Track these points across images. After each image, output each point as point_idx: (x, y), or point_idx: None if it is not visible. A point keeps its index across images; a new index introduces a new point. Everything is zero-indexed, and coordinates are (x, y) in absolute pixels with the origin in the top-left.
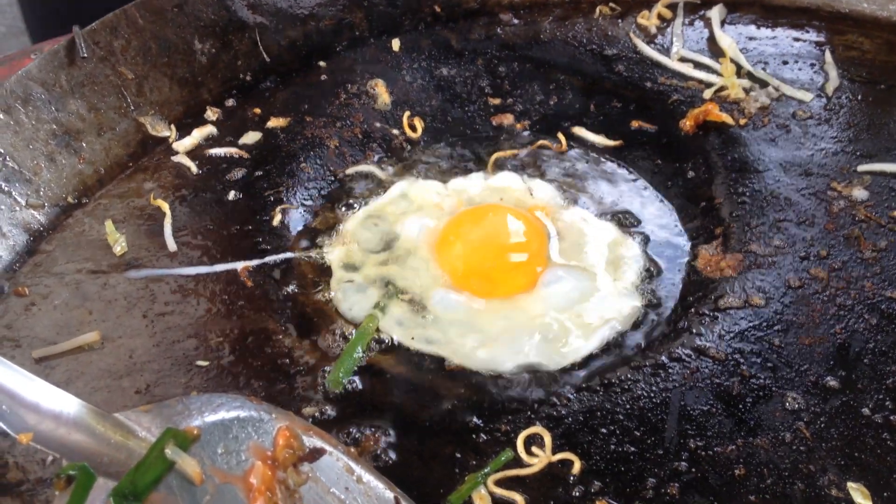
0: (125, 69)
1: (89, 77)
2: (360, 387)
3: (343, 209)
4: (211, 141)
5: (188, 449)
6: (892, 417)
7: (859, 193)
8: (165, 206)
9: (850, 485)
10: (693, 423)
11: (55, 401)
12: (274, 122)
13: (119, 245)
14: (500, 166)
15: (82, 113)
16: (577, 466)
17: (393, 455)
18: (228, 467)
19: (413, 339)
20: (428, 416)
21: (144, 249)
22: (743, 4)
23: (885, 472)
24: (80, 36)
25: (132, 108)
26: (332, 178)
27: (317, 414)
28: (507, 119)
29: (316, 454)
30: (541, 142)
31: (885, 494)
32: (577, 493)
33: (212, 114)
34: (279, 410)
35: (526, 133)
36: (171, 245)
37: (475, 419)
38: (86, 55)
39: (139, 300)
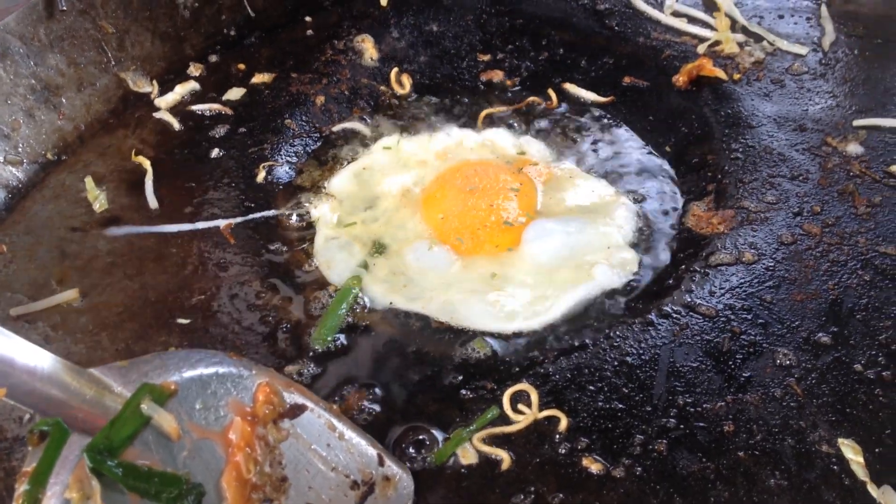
0: (105, 23)
1: (69, 31)
2: (344, 344)
3: (329, 166)
4: (194, 97)
5: (165, 404)
6: (884, 373)
7: (854, 148)
8: (147, 163)
9: (842, 441)
10: (682, 380)
11: (29, 356)
12: (258, 78)
13: (99, 202)
14: (489, 122)
15: (62, 68)
16: (563, 424)
17: (377, 413)
18: (206, 423)
19: (391, 303)
20: (413, 373)
21: (125, 207)
22: None
23: (876, 428)
24: None
25: (113, 63)
26: (318, 135)
27: (300, 372)
28: (497, 75)
29: (297, 410)
30: (531, 98)
31: (877, 450)
32: (564, 451)
33: (195, 69)
34: (259, 367)
35: (516, 89)
36: (153, 202)
37: (460, 376)
38: (65, 8)
39: (119, 258)
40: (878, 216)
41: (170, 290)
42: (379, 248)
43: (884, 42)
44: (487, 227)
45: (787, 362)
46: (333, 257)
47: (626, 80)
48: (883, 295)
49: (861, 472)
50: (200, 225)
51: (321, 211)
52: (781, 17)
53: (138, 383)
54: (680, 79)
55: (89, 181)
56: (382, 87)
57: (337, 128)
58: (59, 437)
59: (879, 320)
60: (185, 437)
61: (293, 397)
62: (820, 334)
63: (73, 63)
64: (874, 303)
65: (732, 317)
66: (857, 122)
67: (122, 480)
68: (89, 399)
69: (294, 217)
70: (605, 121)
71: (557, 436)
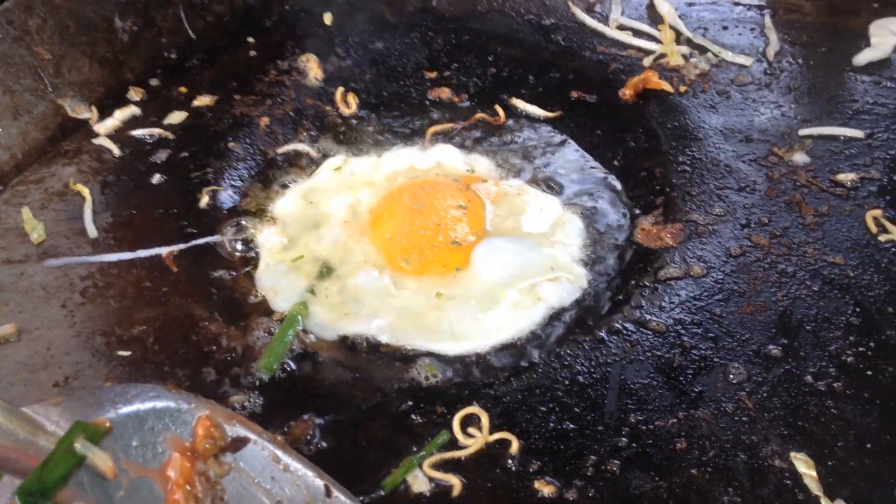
0: (41, 49)
1: (3, 58)
2: (292, 372)
3: (274, 189)
4: (134, 122)
5: (100, 442)
6: (835, 384)
7: (800, 158)
8: (86, 191)
9: (794, 455)
10: (633, 398)
11: None
12: (200, 101)
13: (36, 233)
14: (437, 140)
15: None
16: (515, 446)
17: (325, 442)
18: (144, 460)
19: (339, 329)
20: (361, 399)
21: (63, 237)
22: None
23: (828, 441)
24: None
25: (50, 89)
26: (263, 158)
27: (246, 402)
28: (444, 92)
29: (239, 443)
30: (479, 115)
31: (829, 464)
32: (516, 474)
33: (135, 94)
34: (200, 399)
35: (464, 106)
36: (92, 231)
37: (410, 401)
38: None
39: (58, 290)
40: (826, 226)
41: (110, 322)
42: (326, 272)
43: (828, 51)
44: (435, 246)
45: (739, 376)
46: (278, 283)
47: (574, 94)
48: (832, 305)
49: (814, 487)
50: (142, 253)
51: (266, 235)
52: (726, 28)
53: (72, 421)
54: (626, 92)
55: (26, 211)
56: (328, 108)
57: (282, 150)
58: None
59: (829, 331)
60: (121, 475)
61: (235, 430)
62: (770, 346)
63: (9, 91)
64: (823, 313)
65: (683, 331)
66: (802, 132)
67: None
68: (21, 439)
69: (238, 243)
70: (553, 136)
71: (509, 459)
